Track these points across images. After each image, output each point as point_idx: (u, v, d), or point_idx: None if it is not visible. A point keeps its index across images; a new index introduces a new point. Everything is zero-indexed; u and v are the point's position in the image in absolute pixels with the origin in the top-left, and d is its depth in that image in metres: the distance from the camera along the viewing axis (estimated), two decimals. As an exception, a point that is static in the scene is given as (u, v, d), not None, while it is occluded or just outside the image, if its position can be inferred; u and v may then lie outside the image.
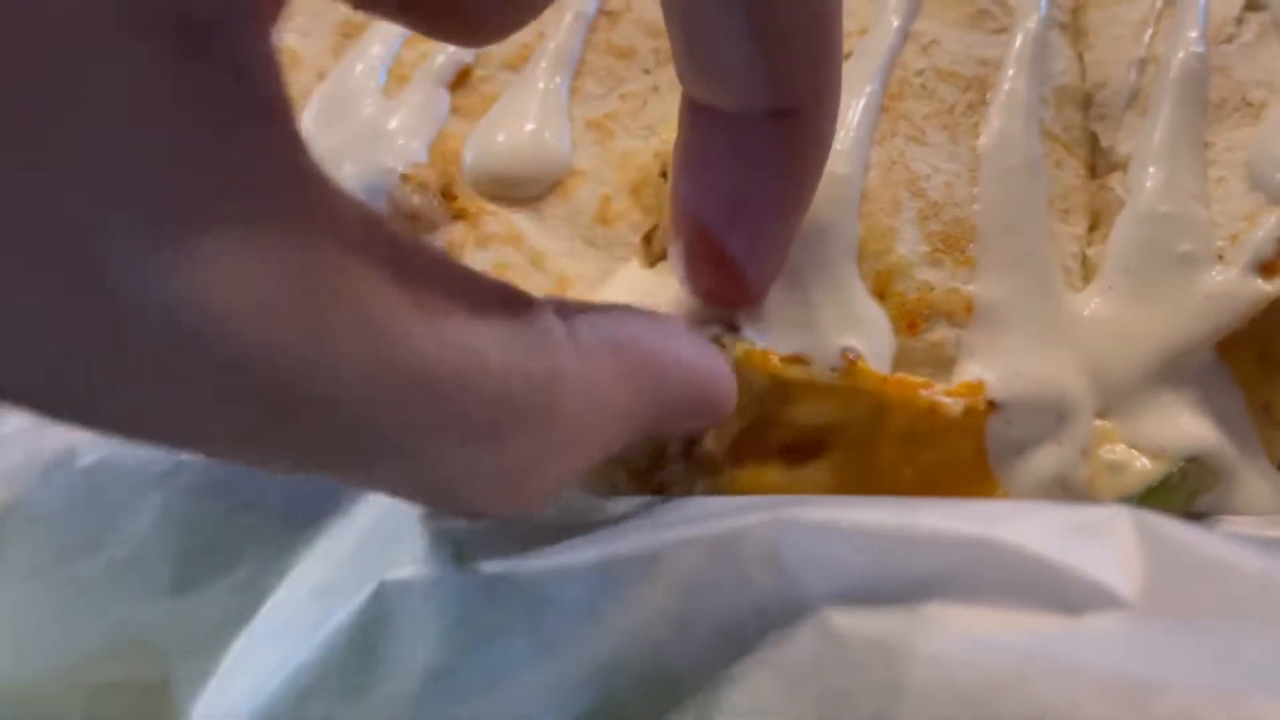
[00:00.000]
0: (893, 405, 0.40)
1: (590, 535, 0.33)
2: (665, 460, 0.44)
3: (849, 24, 0.53)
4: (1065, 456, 0.41)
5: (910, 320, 0.43)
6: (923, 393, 0.41)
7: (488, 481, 0.25)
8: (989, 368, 0.42)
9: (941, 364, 0.42)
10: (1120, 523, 0.29)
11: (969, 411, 0.40)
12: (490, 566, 0.31)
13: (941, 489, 0.41)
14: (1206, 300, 0.43)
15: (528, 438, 0.24)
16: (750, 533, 0.30)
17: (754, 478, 0.42)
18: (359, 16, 0.53)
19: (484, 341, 0.23)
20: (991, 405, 0.40)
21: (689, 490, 0.42)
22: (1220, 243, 0.43)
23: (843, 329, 0.42)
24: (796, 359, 0.40)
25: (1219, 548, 0.28)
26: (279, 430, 0.20)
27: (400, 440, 0.22)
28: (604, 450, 0.29)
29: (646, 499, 0.40)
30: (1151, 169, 0.46)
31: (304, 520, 0.36)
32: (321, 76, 0.50)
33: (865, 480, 0.41)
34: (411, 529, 0.33)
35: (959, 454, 0.41)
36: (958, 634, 0.28)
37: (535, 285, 0.43)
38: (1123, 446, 0.41)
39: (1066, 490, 0.41)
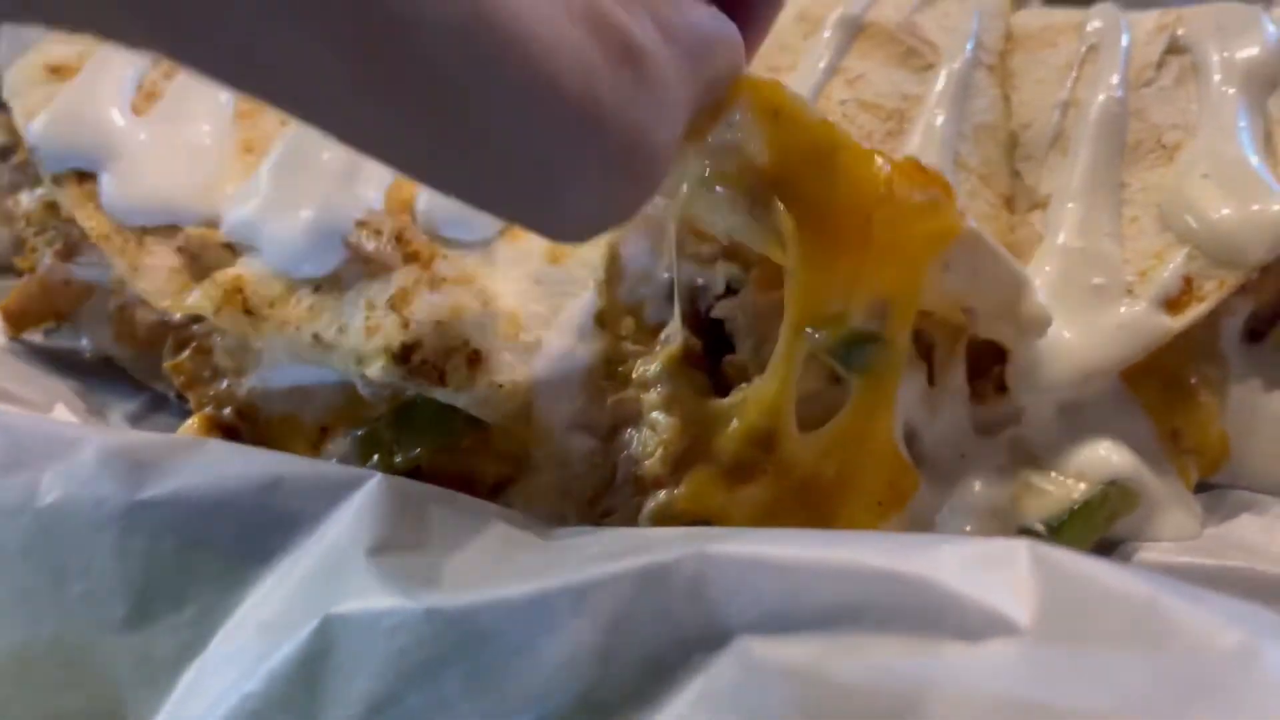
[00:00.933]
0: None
1: (525, 569, 0.34)
2: (612, 486, 0.46)
3: (782, 60, 0.55)
4: (986, 472, 0.43)
5: None
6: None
7: (583, 166, 0.25)
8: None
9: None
10: (1018, 554, 0.31)
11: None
12: (429, 601, 0.33)
13: (861, 488, 0.42)
14: (1116, 330, 0.45)
15: (613, 126, 0.25)
16: (675, 566, 0.32)
17: (696, 495, 0.43)
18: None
19: (568, 20, 0.23)
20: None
21: (634, 515, 0.44)
22: (1130, 278, 0.46)
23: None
24: None
25: (1108, 576, 0.30)
26: (377, 79, 0.21)
27: (493, 108, 0.22)
28: (674, 143, 0.29)
29: (586, 529, 0.41)
30: (1070, 206, 0.49)
31: (253, 557, 0.37)
32: (284, 122, 0.52)
33: (799, 493, 0.43)
34: (356, 565, 0.35)
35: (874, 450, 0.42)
36: (867, 661, 0.30)
37: (486, 325, 0.45)
38: (1042, 467, 0.43)
39: (994, 511, 0.43)
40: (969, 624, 0.30)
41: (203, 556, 0.38)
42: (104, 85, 0.51)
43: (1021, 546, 0.31)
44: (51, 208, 0.51)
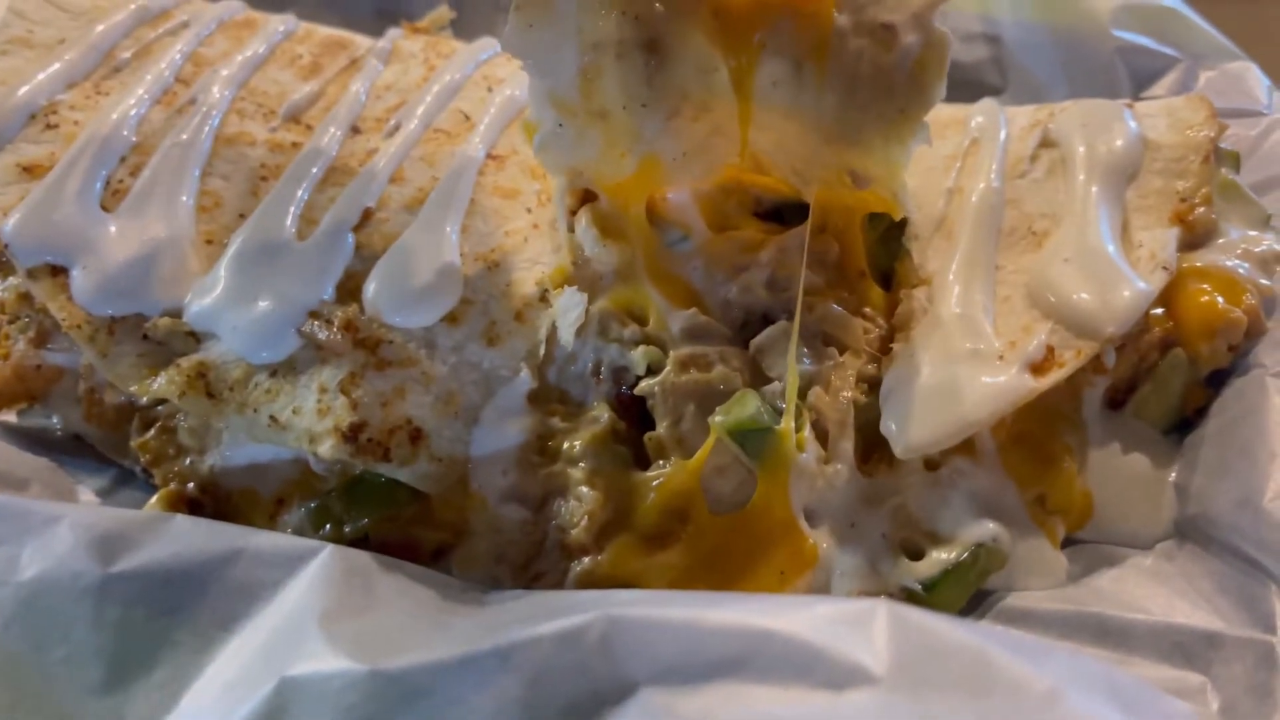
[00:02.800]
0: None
1: (458, 632, 0.39)
2: (542, 551, 0.51)
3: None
4: (873, 540, 0.49)
5: None
6: None
7: None
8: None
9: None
10: (878, 614, 0.36)
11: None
12: (373, 663, 0.37)
13: (773, 557, 0.48)
14: (988, 388, 0.50)
15: None
16: (587, 628, 0.37)
17: (616, 563, 0.49)
18: (274, 160, 0.59)
19: None
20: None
21: (563, 579, 0.49)
22: (999, 345, 0.52)
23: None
24: None
25: (947, 632, 0.35)
26: None
27: None
28: None
29: (516, 593, 0.46)
30: (952, 283, 0.55)
31: (217, 624, 0.41)
32: (242, 216, 0.56)
33: (711, 561, 0.48)
34: (309, 630, 0.39)
35: (777, 525, 0.48)
36: (749, 708, 0.35)
37: (424, 403, 0.50)
38: (921, 534, 0.49)
39: (879, 573, 0.48)
40: (835, 675, 0.35)
41: (171, 624, 0.42)
42: (74, 184, 0.56)
43: (880, 606, 0.36)
44: (25, 297, 0.55)
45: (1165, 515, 0.52)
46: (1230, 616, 0.46)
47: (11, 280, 0.58)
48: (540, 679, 0.37)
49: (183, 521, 0.46)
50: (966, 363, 0.51)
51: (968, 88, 0.74)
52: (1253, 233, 0.58)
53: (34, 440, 0.55)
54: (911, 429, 0.49)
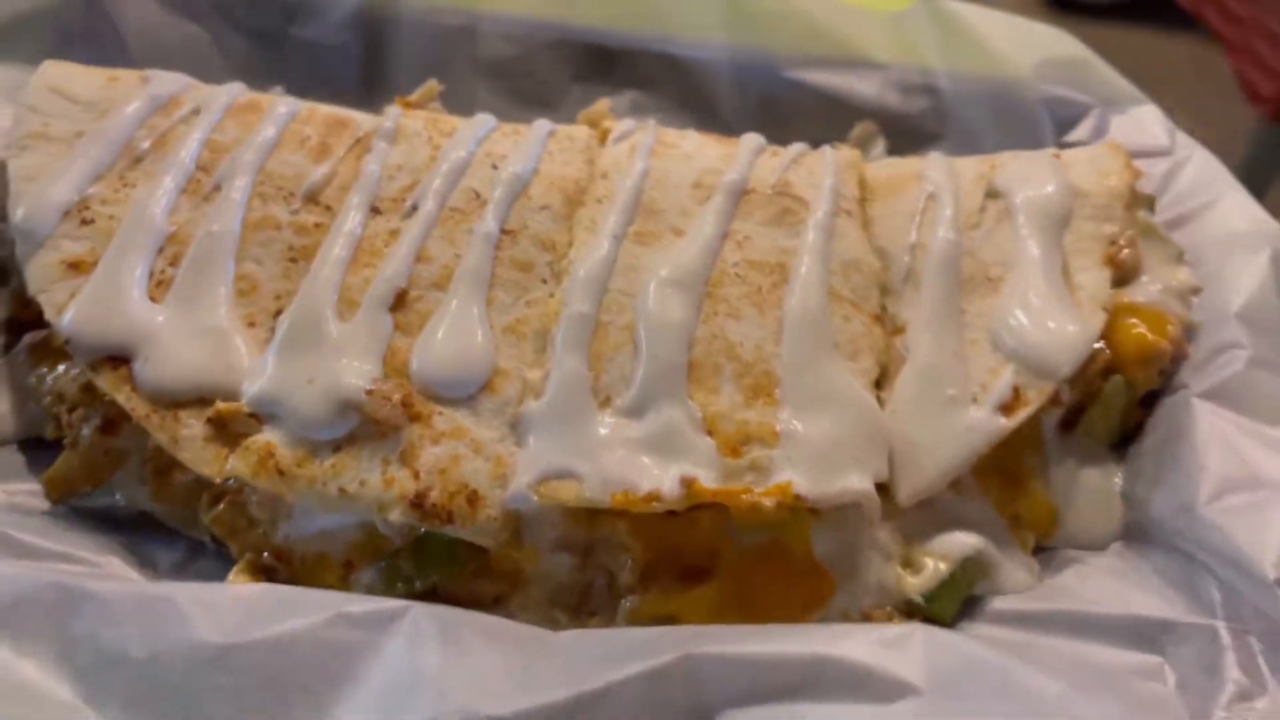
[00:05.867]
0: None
1: (553, 675, 0.45)
2: (592, 592, 0.57)
3: (684, 223, 0.68)
4: (878, 563, 0.56)
5: (732, 447, 0.57)
6: (743, 496, 0.54)
7: None
8: (799, 474, 0.55)
9: (761, 473, 0.56)
10: (915, 636, 0.44)
11: (781, 506, 0.54)
12: (487, 708, 0.44)
13: (796, 593, 0.55)
14: (967, 431, 0.59)
15: None
16: (674, 666, 0.44)
17: (660, 600, 0.55)
18: (300, 241, 0.64)
19: None
20: (799, 498, 0.53)
21: (613, 616, 0.56)
22: (974, 389, 0.60)
23: (680, 458, 0.56)
24: (651, 495, 0.54)
25: (973, 649, 0.43)
26: None
27: None
28: None
29: (580, 633, 0.53)
30: (923, 333, 0.63)
31: (326, 683, 0.46)
32: (278, 298, 0.61)
33: (741, 596, 0.55)
34: (419, 686, 0.45)
35: (799, 564, 0.56)
36: (815, 722, 0.42)
37: (479, 469, 0.56)
38: (917, 553, 0.57)
39: (885, 590, 0.56)
40: (884, 690, 0.43)
41: (285, 689, 0.47)
42: (122, 278, 0.60)
43: (918, 630, 0.44)
44: (88, 389, 0.59)
45: (1116, 520, 0.61)
46: (1178, 605, 0.55)
47: (63, 369, 0.62)
48: (639, 715, 0.43)
49: (278, 592, 0.51)
50: (947, 409, 0.59)
51: (911, 135, 0.83)
52: (1169, 268, 0.67)
53: (103, 519, 0.59)
54: (908, 478, 0.57)
